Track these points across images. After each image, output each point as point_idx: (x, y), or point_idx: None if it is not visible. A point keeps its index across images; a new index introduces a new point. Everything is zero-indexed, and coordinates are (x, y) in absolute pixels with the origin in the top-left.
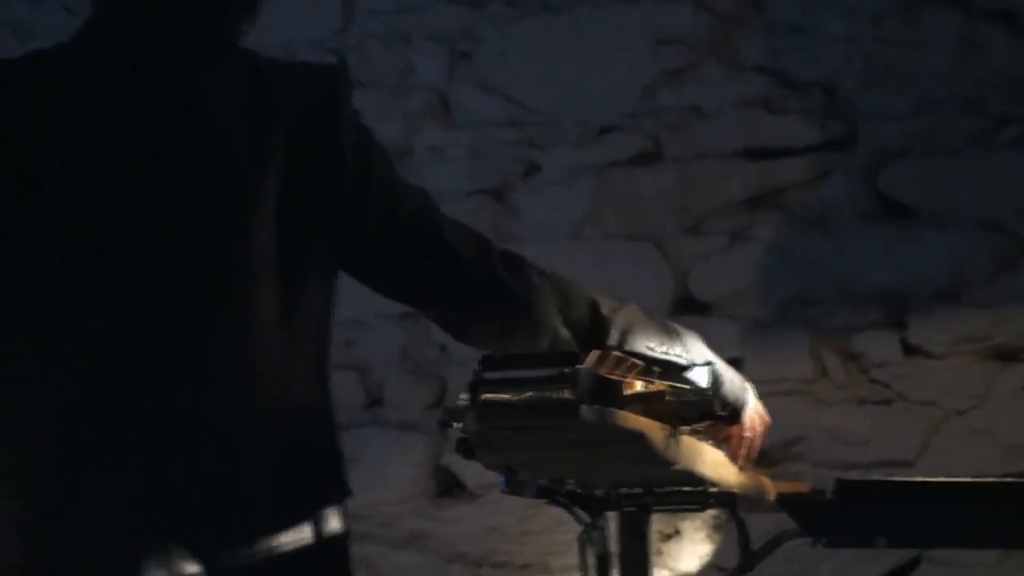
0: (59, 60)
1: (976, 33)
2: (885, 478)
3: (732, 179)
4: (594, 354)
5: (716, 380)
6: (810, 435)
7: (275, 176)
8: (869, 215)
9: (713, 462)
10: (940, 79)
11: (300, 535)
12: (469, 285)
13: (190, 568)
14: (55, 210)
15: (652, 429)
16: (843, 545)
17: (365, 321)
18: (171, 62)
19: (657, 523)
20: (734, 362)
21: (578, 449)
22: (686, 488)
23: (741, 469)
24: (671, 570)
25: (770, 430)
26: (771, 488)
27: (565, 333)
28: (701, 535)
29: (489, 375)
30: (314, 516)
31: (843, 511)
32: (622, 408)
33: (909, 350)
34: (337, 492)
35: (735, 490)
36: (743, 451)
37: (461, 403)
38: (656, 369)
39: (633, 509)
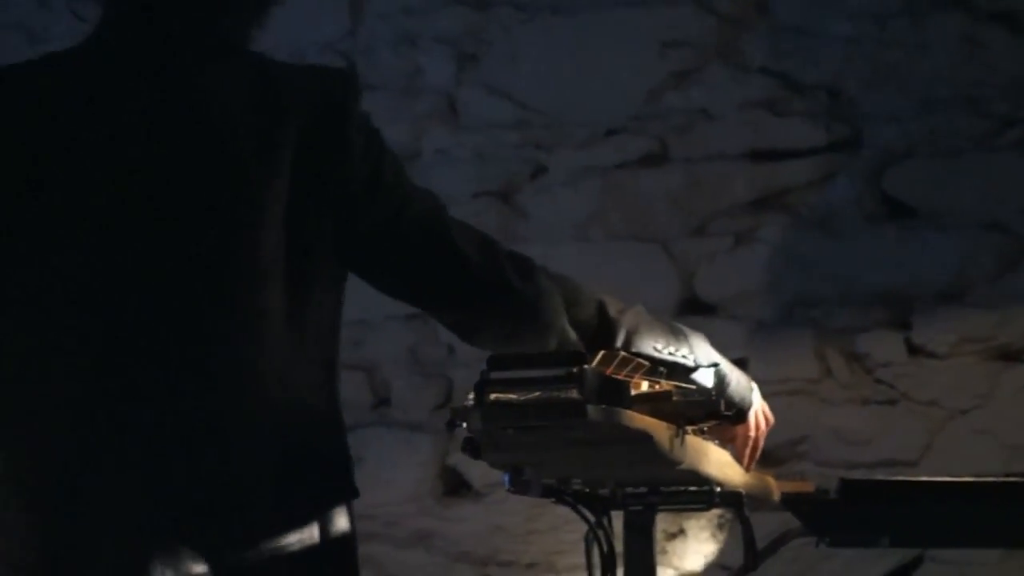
0: (64, 62)
1: (979, 35)
2: (889, 478)
3: (737, 181)
4: (601, 354)
5: (722, 381)
6: (814, 435)
7: (283, 177)
8: (873, 216)
9: (718, 462)
10: (943, 81)
11: (306, 535)
12: (477, 286)
13: (191, 568)
14: (56, 210)
15: (658, 429)
16: (847, 544)
17: (372, 322)
18: (176, 63)
19: (662, 522)
20: (740, 362)
21: (584, 448)
22: (691, 488)
23: (747, 469)
24: (676, 569)
25: (775, 430)
26: (776, 488)
27: (573, 334)
28: (706, 534)
29: (496, 375)
30: (321, 516)
31: (847, 510)
32: (628, 408)
33: (913, 350)
34: (344, 492)
35: (740, 490)
36: (749, 451)
37: (468, 403)
38: (662, 370)
39: (638, 508)
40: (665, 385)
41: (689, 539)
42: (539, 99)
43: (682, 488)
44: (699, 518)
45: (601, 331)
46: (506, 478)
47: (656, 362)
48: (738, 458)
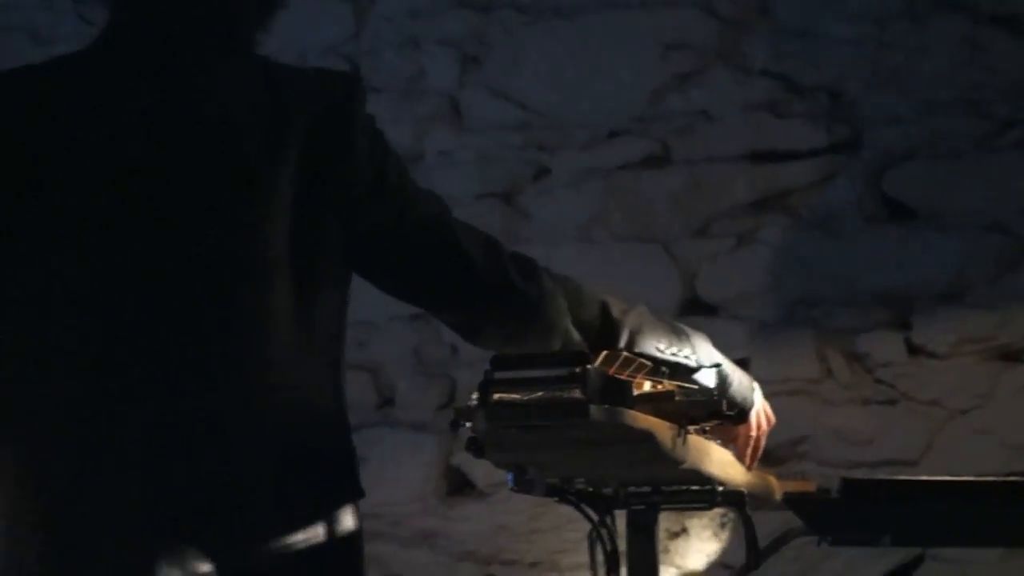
0: (69, 65)
1: (979, 37)
2: (889, 477)
3: (739, 182)
4: (603, 355)
5: (724, 381)
6: (815, 434)
7: (288, 179)
8: (874, 217)
9: (720, 461)
10: (944, 83)
11: (312, 535)
12: (480, 287)
13: (193, 568)
14: (56, 210)
15: (660, 428)
16: (848, 543)
17: (377, 323)
18: (179, 65)
19: (664, 521)
20: (743, 362)
21: (587, 448)
22: (694, 487)
23: (749, 469)
24: (678, 568)
25: (776, 429)
26: (777, 487)
27: (576, 335)
28: (708, 533)
29: (499, 375)
30: (327, 516)
31: (848, 510)
32: (631, 408)
33: (913, 350)
34: (350, 492)
35: (742, 489)
36: (750, 451)
37: (471, 403)
38: (665, 370)
39: (641, 507)
40: (667, 385)
41: (691, 538)
42: (542, 101)
43: (684, 487)
44: (701, 517)
45: (604, 331)
46: (510, 477)
47: (659, 362)
48: (740, 457)
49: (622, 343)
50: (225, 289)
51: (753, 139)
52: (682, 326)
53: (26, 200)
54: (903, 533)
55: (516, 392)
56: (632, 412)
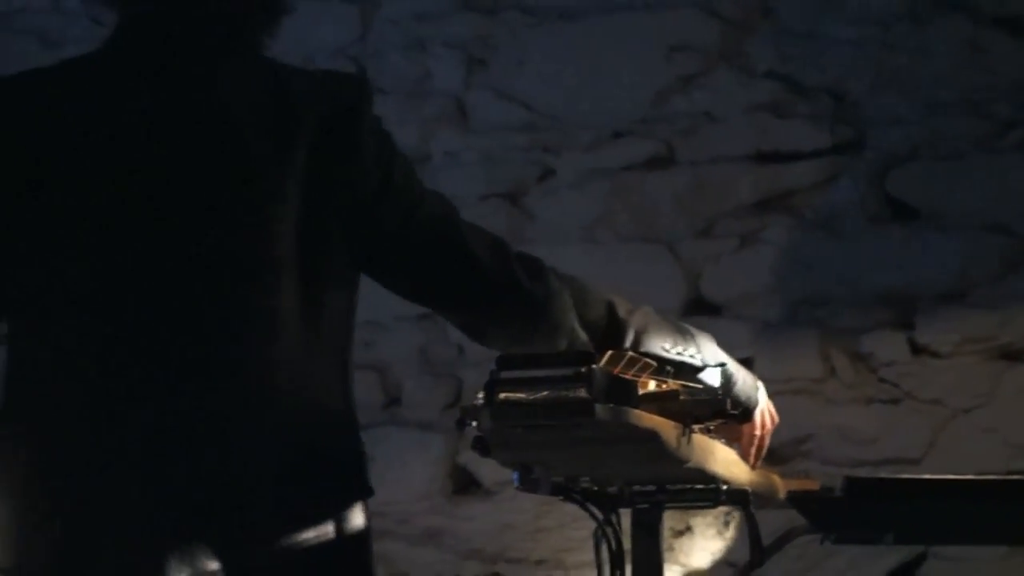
0: (77, 67)
1: (981, 38)
2: (893, 476)
3: (742, 183)
4: (609, 354)
5: (728, 380)
6: (819, 433)
7: (296, 180)
8: (877, 218)
9: (725, 460)
10: (946, 84)
11: (321, 533)
12: (487, 287)
13: (196, 567)
14: (57, 211)
15: (665, 428)
16: (851, 541)
17: (383, 323)
18: (185, 67)
19: (669, 520)
20: (747, 362)
21: (592, 447)
22: (698, 486)
23: (753, 467)
24: (683, 566)
25: (780, 428)
26: (781, 486)
27: (582, 335)
28: (712, 531)
29: (505, 374)
30: (335, 515)
31: (851, 508)
32: (636, 407)
33: (916, 350)
34: (359, 491)
35: (746, 487)
36: (754, 449)
37: (477, 402)
38: (669, 369)
39: (646, 506)
40: (672, 384)
41: (696, 536)
42: (547, 102)
43: (689, 486)
44: (706, 515)
45: (610, 331)
46: (515, 476)
47: (663, 362)
48: (744, 456)
49: (628, 343)
50: (226, 289)
51: (757, 140)
52: (687, 326)
53: (27, 200)
54: (906, 531)
55: (522, 391)
56: (637, 411)
